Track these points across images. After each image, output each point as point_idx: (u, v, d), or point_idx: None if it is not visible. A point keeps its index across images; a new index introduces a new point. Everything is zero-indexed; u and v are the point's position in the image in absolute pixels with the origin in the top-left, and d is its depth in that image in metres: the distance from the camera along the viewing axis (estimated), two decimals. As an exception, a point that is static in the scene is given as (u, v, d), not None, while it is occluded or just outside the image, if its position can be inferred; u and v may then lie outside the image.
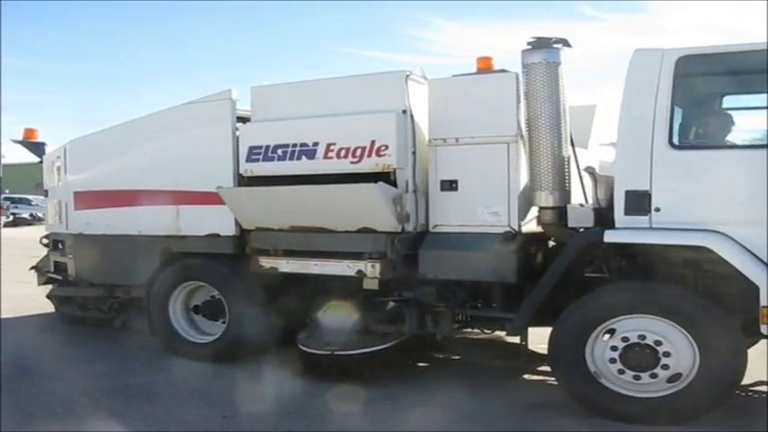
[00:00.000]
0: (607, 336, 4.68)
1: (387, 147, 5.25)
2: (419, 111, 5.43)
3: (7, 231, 21.72)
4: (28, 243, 16.83)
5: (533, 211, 5.27)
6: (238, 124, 6.10)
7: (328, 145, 5.47)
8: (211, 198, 6.04)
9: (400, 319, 5.59)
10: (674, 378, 4.52)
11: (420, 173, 5.44)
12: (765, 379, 5.06)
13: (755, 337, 4.84)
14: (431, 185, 5.42)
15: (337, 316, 5.80)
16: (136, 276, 6.76)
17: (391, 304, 5.66)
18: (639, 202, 4.62)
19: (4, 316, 8.22)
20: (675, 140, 4.59)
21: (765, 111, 4.60)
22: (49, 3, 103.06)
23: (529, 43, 5.01)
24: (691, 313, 4.47)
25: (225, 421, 4.88)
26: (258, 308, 6.09)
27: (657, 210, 4.58)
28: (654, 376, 4.55)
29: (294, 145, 5.62)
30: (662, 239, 4.57)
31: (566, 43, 5.03)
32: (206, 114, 6.20)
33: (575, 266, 4.97)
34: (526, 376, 5.78)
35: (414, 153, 5.38)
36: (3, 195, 27.06)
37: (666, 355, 4.50)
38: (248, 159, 5.85)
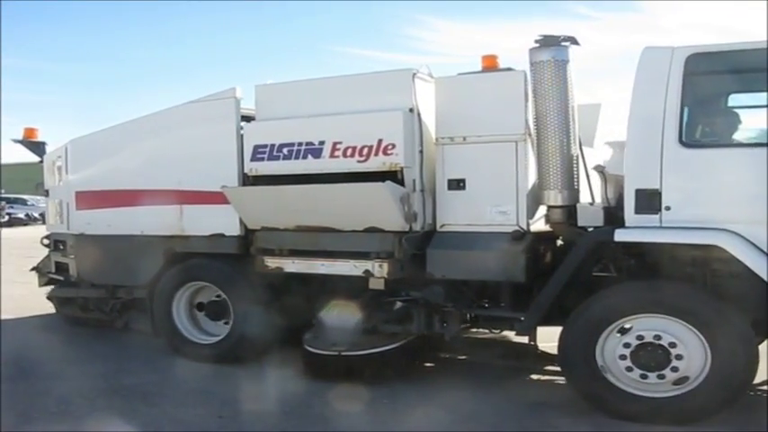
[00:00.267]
0: (618, 333, 4.66)
1: (394, 145, 5.22)
2: (426, 109, 5.40)
3: (3, 232, 21.57)
4: (24, 243, 16.80)
5: (541, 210, 5.25)
6: (242, 123, 6.06)
7: (335, 144, 5.43)
8: (215, 197, 6.00)
9: (408, 320, 5.55)
10: (680, 381, 4.51)
11: (427, 172, 5.41)
12: (766, 379, 5.05)
13: (764, 336, 4.85)
14: (438, 184, 5.39)
15: (343, 316, 5.76)
16: (139, 277, 6.70)
17: (399, 304, 5.63)
18: (650, 201, 4.60)
19: (2, 317, 8.17)
20: (686, 139, 4.57)
21: None
22: (50, 3, 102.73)
23: (537, 41, 4.98)
24: (705, 314, 4.44)
25: (221, 421, 4.86)
26: (263, 308, 6.05)
27: (668, 208, 4.55)
28: (661, 377, 4.53)
29: (300, 144, 5.58)
30: (673, 238, 4.55)
31: (573, 41, 5.00)
32: (210, 113, 6.15)
33: (584, 266, 4.94)
34: (533, 376, 5.76)
35: (421, 152, 5.35)
36: (-1, 195, 26.97)
37: (678, 357, 4.48)
38: (253, 158, 5.80)
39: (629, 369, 4.60)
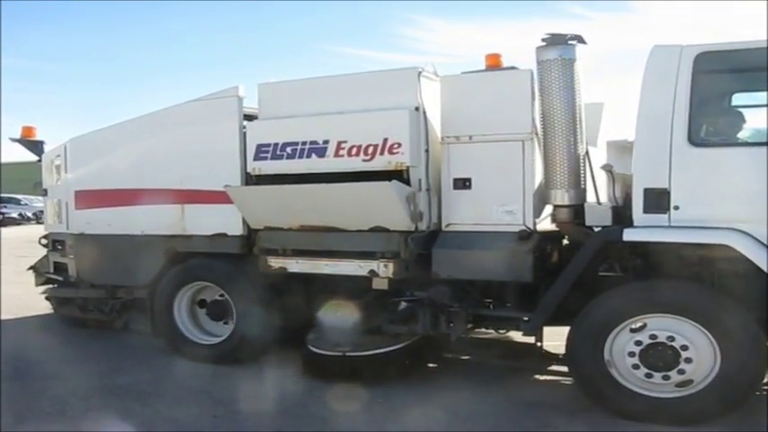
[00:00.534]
0: (630, 331, 4.62)
1: (400, 144, 5.18)
2: (431, 108, 5.36)
3: (-2, 231, 21.46)
4: (18, 243, 16.70)
5: (547, 210, 5.22)
6: (245, 122, 6.01)
7: (339, 143, 5.38)
8: (218, 197, 5.94)
9: (413, 320, 5.51)
10: (684, 383, 4.50)
11: (432, 171, 5.37)
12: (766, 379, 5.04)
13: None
14: (443, 184, 5.35)
15: (347, 316, 5.73)
16: (139, 277, 6.65)
17: (403, 304, 5.59)
18: (658, 201, 4.58)
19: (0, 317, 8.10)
20: (695, 138, 4.54)
21: None
22: (50, 3, 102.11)
23: (544, 40, 4.97)
24: (717, 315, 4.41)
25: (215, 421, 4.84)
26: (265, 308, 6.00)
27: (676, 208, 4.53)
28: (666, 378, 4.52)
29: (304, 143, 5.53)
30: (683, 238, 4.52)
31: (580, 40, 4.98)
32: (212, 112, 6.10)
33: (591, 265, 4.91)
34: (535, 376, 5.75)
35: (427, 151, 5.32)
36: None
37: (688, 361, 4.46)
38: (256, 157, 5.75)
39: (635, 366, 4.58)
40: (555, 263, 5.30)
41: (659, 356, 4.51)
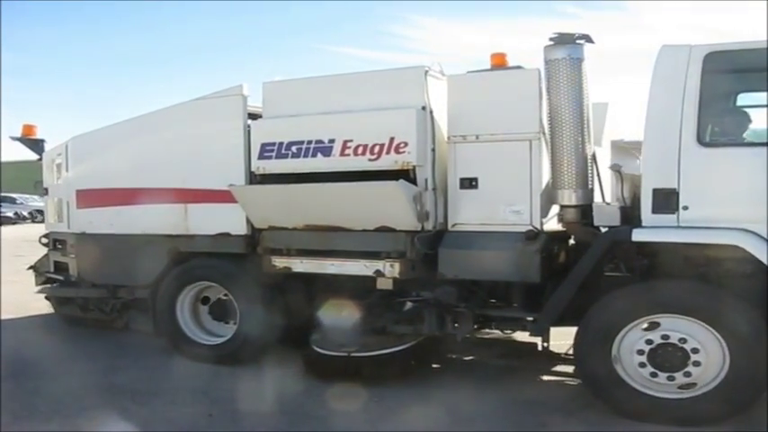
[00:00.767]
0: (643, 329, 4.59)
1: (406, 144, 5.15)
2: (438, 107, 5.33)
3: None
4: (13, 242, 16.62)
5: (553, 210, 5.20)
6: (249, 121, 5.97)
7: (345, 142, 5.35)
8: (221, 196, 5.91)
9: (419, 320, 5.49)
10: (687, 386, 4.49)
11: (439, 171, 5.35)
12: None
13: None
14: (450, 183, 5.32)
15: (352, 317, 5.70)
16: (141, 277, 6.60)
17: (409, 305, 5.57)
18: (667, 201, 4.56)
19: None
20: (704, 138, 4.53)
21: None
22: (50, 3, 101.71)
23: (551, 39, 4.95)
24: (730, 318, 4.38)
25: (210, 420, 4.82)
26: (269, 308, 5.97)
27: (685, 208, 4.52)
28: (671, 379, 4.51)
29: (309, 142, 5.49)
30: (692, 238, 4.50)
31: (588, 39, 4.96)
32: (216, 110, 6.06)
33: (598, 265, 4.89)
34: (538, 376, 5.75)
35: (433, 150, 5.29)
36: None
37: (696, 364, 4.44)
38: (261, 156, 5.71)
39: (642, 365, 4.56)
40: (561, 263, 5.27)
41: (668, 357, 4.49)
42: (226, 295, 6.26)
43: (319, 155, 5.46)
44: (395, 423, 4.75)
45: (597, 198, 5.24)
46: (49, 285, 7.74)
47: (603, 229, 5.07)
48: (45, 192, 7.72)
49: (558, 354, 5.68)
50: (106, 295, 7.05)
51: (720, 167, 4.50)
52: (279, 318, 5.97)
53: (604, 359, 4.64)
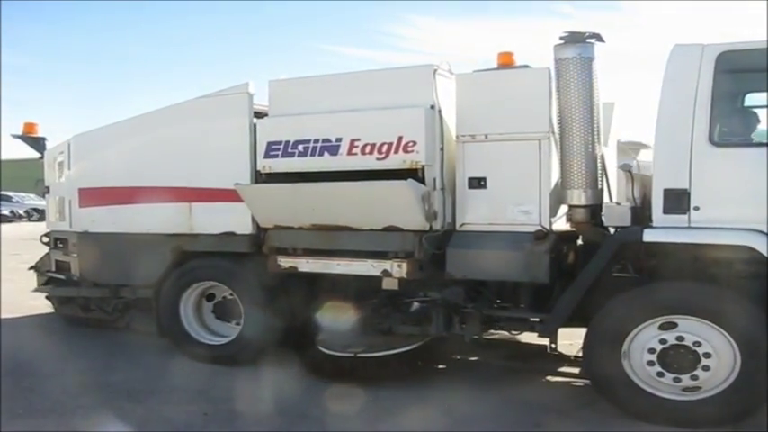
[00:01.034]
0: (658, 328, 4.55)
1: (415, 143, 5.11)
2: (446, 106, 5.30)
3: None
4: (11, 241, 16.53)
5: (562, 210, 5.17)
6: (255, 119, 5.92)
7: (352, 141, 5.31)
8: (226, 195, 5.86)
9: (426, 321, 5.45)
10: (691, 388, 4.47)
11: (447, 170, 5.31)
12: None
13: None
14: (458, 183, 5.29)
15: (358, 317, 5.67)
16: (144, 276, 6.53)
17: (416, 305, 5.53)
18: (678, 201, 4.53)
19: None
20: (716, 138, 4.51)
21: None
22: (50, 3, 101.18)
23: (561, 38, 4.92)
24: (743, 321, 4.35)
25: (206, 418, 4.80)
26: (274, 308, 5.91)
27: (697, 208, 4.49)
28: (677, 380, 4.49)
29: (316, 141, 5.45)
30: (703, 239, 4.48)
31: (599, 38, 4.93)
32: (222, 109, 6.02)
33: (609, 266, 4.86)
34: (539, 377, 5.72)
35: (442, 149, 5.26)
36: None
37: (705, 368, 4.41)
38: (267, 155, 5.66)
39: (650, 363, 4.53)
40: (570, 264, 5.24)
41: (678, 358, 4.46)
42: (231, 295, 6.21)
43: (326, 154, 5.42)
44: (391, 424, 4.73)
45: (605, 198, 5.21)
46: (49, 285, 7.67)
47: (612, 230, 5.05)
48: (46, 190, 7.64)
49: (568, 356, 5.65)
50: (108, 295, 6.99)
51: (732, 168, 4.47)
52: (283, 317, 5.93)
53: (614, 357, 4.61)
